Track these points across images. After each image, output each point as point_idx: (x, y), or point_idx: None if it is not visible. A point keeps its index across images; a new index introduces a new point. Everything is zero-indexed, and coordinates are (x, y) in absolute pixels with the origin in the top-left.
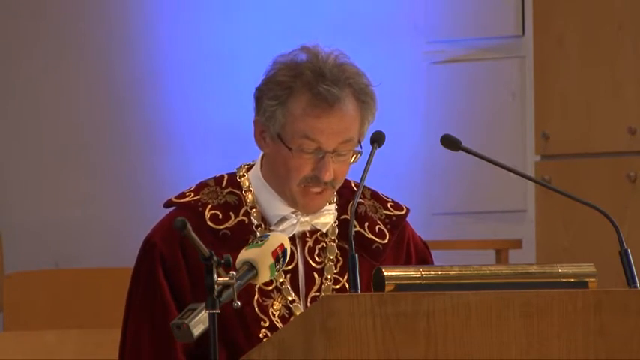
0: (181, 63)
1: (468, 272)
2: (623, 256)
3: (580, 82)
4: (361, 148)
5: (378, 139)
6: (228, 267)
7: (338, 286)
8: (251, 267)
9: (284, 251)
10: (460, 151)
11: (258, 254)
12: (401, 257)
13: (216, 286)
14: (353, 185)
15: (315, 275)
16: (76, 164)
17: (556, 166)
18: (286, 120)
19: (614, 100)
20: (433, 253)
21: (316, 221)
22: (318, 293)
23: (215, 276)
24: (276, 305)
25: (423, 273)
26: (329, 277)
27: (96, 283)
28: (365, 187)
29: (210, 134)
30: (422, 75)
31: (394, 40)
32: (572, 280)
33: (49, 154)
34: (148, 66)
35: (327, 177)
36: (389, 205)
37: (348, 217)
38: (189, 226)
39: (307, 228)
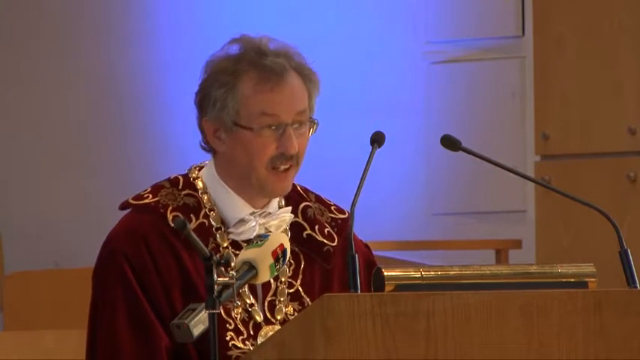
0: (181, 62)
1: (467, 272)
2: (623, 256)
3: (580, 82)
4: (314, 120)
5: (378, 139)
6: (228, 267)
7: (292, 290)
8: (251, 267)
9: (284, 251)
10: (460, 151)
11: (258, 254)
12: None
13: (216, 286)
14: (299, 189)
15: (271, 279)
16: (76, 164)
17: (556, 166)
18: (240, 104)
19: (614, 100)
20: (433, 253)
21: (272, 223)
22: (274, 297)
23: (215, 276)
24: (237, 309)
25: (422, 273)
26: (283, 280)
27: None
28: (308, 190)
29: None
30: (422, 75)
31: (394, 40)
32: (572, 280)
33: (49, 155)
34: (147, 65)
35: (293, 149)
36: (332, 209)
37: (299, 220)
38: (189, 226)
39: (262, 231)
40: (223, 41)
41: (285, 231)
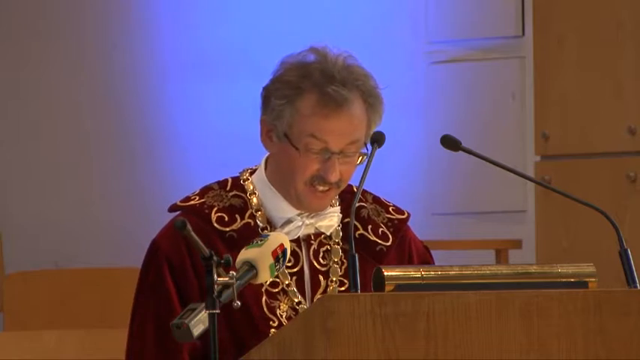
0: (182, 66)
1: (467, 272)
2: (623, 256)
3: (580, 82)
4: (367, 149)
5: (378, 140)
6: (228, 267)
7: (343, 289)
8: (251, 267)
9: (284, 251)
10: (460, 151)
11: (258, 254)
12: (404, 260)
13: (216, 286)
14: (355, 190)
15: (321, 278)
16: (76, 164)
17: (556, 166)
18: (294, 119)
19: (614, 100)
20: (433, 253)
21: (320, 223)
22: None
23: (215, 276)
24: (283, 307)
25: (423, 273)
26: (334, 279)
27: (96, 283)
28: (366, 191)
29: (210, 135)
30: (422, 75)
31: (394, 40)
32: (572, 280)
33: (49, 154)
34: (149, 68)
35: (334, 178)
36: (390, 209)
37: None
38: (189, 226)
39: (312, 231)
40: (224, 47)
41: (336, 231)
